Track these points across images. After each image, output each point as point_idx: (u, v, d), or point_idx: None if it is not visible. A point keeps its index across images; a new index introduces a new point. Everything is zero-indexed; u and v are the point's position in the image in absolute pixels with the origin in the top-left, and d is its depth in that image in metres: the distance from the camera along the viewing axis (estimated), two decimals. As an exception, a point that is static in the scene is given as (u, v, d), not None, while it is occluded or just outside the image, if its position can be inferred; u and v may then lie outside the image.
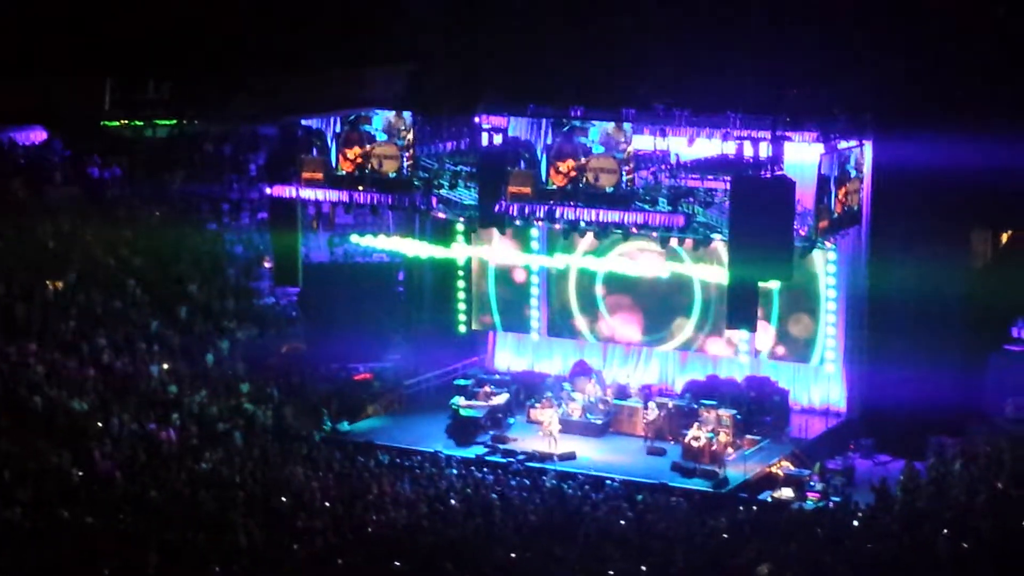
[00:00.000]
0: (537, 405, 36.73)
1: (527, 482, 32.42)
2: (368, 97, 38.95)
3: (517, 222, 34.93)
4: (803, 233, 32.71)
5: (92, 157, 42.88)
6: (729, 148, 33.27)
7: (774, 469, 33.56)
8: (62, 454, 31.35)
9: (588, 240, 37.31)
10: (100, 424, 32.96)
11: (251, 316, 39.85)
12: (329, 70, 41.18)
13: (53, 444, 31.75)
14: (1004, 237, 37.79)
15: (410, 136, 34.37)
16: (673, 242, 33.91)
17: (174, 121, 44.98)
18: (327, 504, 29.97)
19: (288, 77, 41.25)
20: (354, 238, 39.03)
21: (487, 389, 37.04)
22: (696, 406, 35.61)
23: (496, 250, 39.22)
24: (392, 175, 34.53)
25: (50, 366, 34.55)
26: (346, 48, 41.85)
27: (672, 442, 35.16)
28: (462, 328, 40.96)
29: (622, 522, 29.57)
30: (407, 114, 34.57)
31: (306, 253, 38.68)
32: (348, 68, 41.36)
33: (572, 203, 33.05)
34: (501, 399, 36.80)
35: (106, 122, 44.81)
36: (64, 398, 33.45)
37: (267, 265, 40.76)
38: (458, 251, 39.07)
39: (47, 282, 37.76)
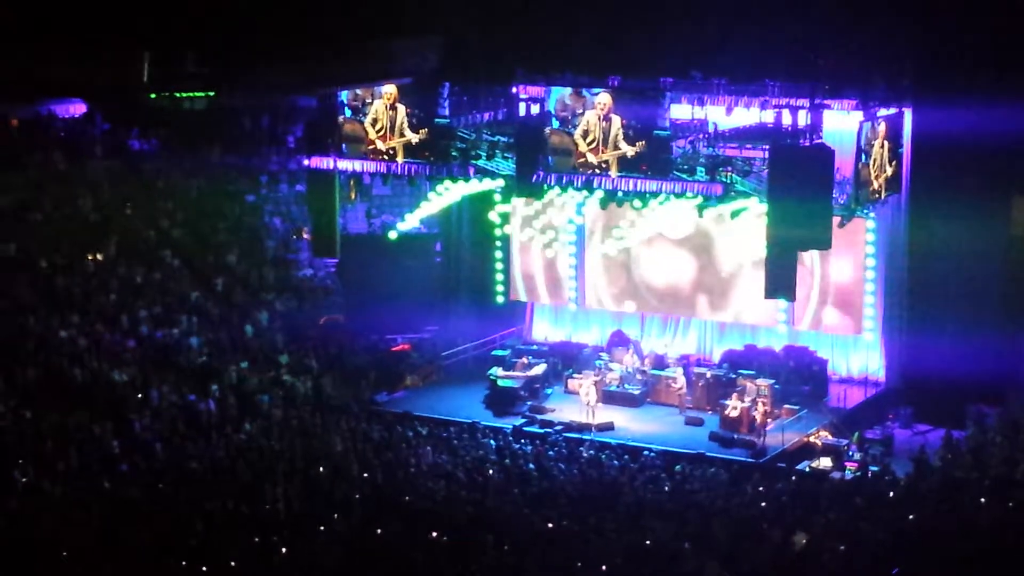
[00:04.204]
0: (575, 375, 36.78)
1: (565, 452, 32.45)
2: (404, 68, 38.92)
3: (555, 191, 34.87)
4: (842, 201, 32.56)
5: (131, 130, 43.08)
6: (767, 117, 33.11)
7: (812, 439, 33.49)
8: (103, 425, 31.64)
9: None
10: (140, 395, 33.22)
11: (290, 287, 40.06)
12: (365, 41, 41.15)
13: (94, 415, 32.05)
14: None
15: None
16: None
17: (212, 93, 45.11)
18: (365, 474, 30.13)
19: (324, 49, 41.25)
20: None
21: (525, 360, 37.08)
22: (734, 376, 35.57)
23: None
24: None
25: (91, 338, 34.84)
26: (382, 18, 41.80)
27: (710, 412, 35.13)
28: (500, 299, 40.97)
29: (660, 492, 29.59)
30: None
31: (344, 224, 38.75)
32: (384, 39, 41.31)
33: (609, 172, 33.01)
34: (539, 370, 36.82)
35: (146, 95, 45.04)
36: (105, 370, 33.74)
37: (305, 236, 40.91)
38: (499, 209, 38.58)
39: (87, 255, 38.02)
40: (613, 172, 32.93)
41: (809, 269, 36.25)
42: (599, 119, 32.96)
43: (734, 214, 33.45)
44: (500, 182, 34.84)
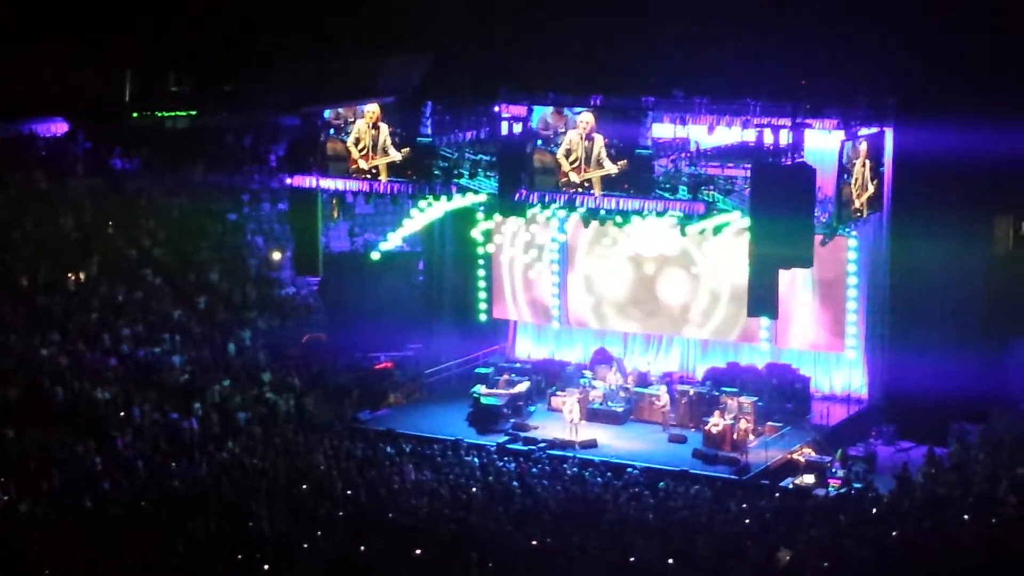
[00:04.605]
0: (558, 393, 36.79)
1: (548, 470, 32.43)
2: (387, 86, 38.96)
3: (537, 209, 34.92)
4: (824, 220, 32.67)
5: (113, 149, 43.02)
6: (749, 136, 33.14)
7: (795, 456, 33.55)
8: (85, 443, 31.52)
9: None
10: (123, 414, 33.12)
11: (272, 306, 40.03)
12: (348, 60, 41.19)
13: (76, 434, 31.93)
14: (1026, 224, 37.64)
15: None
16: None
17: (195, 112, 45.08)
18: (348, 492, 30.07)
19: (307, 67, 41.27)
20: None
21: (508, 377, 37.07)
22: (717, 393, 35.61)
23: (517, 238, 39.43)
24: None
25: (73, 357, 34.72)
26: (365, 38, 41.87)
27: (693, 429, 35.15)
28: (483, 317, 40.99)
29: (644, 509, 29.57)
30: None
31: (327, 243, 38.73)
32: (367, 58, 41.36)
33: (591, 191, 33.03)
34: (522, 387, 36.83)
35: (128, 114, 45.01)
36: (87, 388, 33.62)
37: (278, 256, 40.93)
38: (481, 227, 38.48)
39: (69, 273, 37.92)
40: (596, 191, 32.96)
41: (791, 287, 36.30)
42: (582, 138, 32.98)
43: (716, 230, 33.49)
44: (483, 196, 34.89)
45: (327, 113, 35.24)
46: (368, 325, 39.10)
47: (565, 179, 33.21)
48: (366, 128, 34.79)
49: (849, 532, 27.67)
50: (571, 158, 33.14)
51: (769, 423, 34.89)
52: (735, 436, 33.72)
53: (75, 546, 27.02)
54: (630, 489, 30.93)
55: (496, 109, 36.48)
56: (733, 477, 32.37)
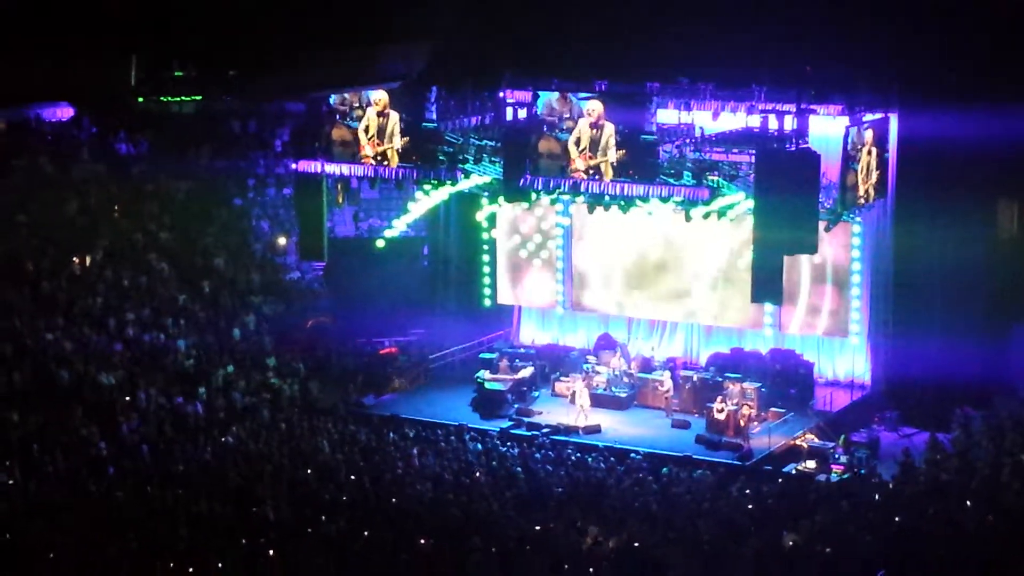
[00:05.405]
0: (563, 378, 36.84)
1: (552, 455, 32.49)
2: (390, 72, 38.97)
3: (542, 195, 34.94)
4: (828, 206, 32.68)
5: (119, 133, 43.06)
6: (754, 121, 33.17)
7: (799, 442, 33.59)
8: (90, 428, 31.62)
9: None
10: (128, 398, 33.21)
11: (277, 290, 40.09)
12: (351, 46, 41.19)
13: (81, 418, 32.02)
14: (1030, 209, 37.61)
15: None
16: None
17: (200, 97, 45.10)
18: (353, 477, 30.15)
19: (311, 53, 41.26)
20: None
21: (512, 363, 37.10)
22: (721, 379, 35.64)
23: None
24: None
25: (78, 341, 34.80)
26: (368, 24, 41.86)
27: (697, 415, 35.21)
28: (487, 302, 41.04)
29: (647, 495, 29.64)
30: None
31: (331, 227, 38.79)
32: (371, 44, 41.36)
33: (597, 177, 33.05)
34: (526, 372, 36.88)
35: (133, 98, 45.03)
36: (92, 372, 33.71)
37: (283, 241, 41.00)
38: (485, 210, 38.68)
39: (74, 258, 37.99)
40: (607, 177, 32.93)
41: (795, 273, 36.31)
42: (590, 126, 32.96)
43: (721, 212, 33.52)
44: (487, 178, 34.90)
45: (333, 99, 35.26)
46: (372, 310, 39.19)
47: (572, 165, 33.19)
48: (375, 115, 34.78)
49: (852, 518, 27.72)
50: (580, 146, 33.15)
51: (772, 409, 34.92)
52: (738, 422, 33.76)
53: (79, 530, 27.12)
54: (633, 475, 30.99)
55: (501, 95, 36.47)
56: (736, 463, 32.42)
